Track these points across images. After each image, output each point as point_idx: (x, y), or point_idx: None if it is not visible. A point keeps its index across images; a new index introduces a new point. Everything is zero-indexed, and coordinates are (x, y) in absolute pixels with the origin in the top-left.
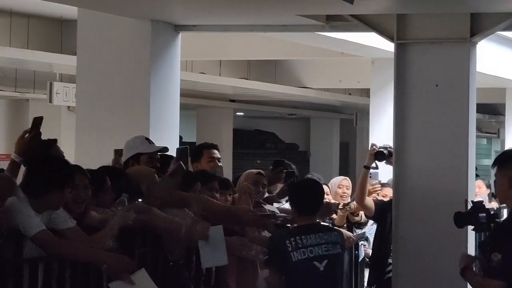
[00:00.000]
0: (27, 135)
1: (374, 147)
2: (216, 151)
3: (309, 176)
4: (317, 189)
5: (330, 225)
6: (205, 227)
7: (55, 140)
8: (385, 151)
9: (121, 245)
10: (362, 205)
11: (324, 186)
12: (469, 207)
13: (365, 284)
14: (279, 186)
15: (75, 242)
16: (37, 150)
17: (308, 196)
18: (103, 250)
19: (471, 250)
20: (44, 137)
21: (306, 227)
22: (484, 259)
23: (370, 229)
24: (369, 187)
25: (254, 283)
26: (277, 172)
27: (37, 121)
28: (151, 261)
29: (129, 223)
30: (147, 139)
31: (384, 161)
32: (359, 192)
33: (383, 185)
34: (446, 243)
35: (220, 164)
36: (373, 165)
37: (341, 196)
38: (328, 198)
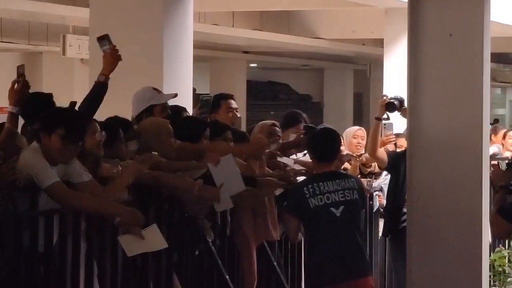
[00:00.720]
0: (16, 85)
1: (384, 98)
2: (233, 102)
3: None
4: (334, 137)
5: None
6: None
7: (74, 102)
8: (396, 102)
9: (136, 198)
10: (374, 156)
11: (361, 131)
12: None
13: (380, 234)
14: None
15: (88, 195)
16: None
17: (325, 143)
18: (116, 203)
19: (486, 200)
20: (58, 90)
21: (324, 175)
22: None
23: (385, 179)
24: (384, 138)
25: (269, 232)
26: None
27: (21, 70)
28: (166, 214)
29: (141, 176)
30: (155, 89)
31: (396, 111)
32: (371, 144)
33: (397, 135)
34: (460, 193)
35: (238, 115)
36: (385, 116)
37: (355, 146)
38: (342, 148)
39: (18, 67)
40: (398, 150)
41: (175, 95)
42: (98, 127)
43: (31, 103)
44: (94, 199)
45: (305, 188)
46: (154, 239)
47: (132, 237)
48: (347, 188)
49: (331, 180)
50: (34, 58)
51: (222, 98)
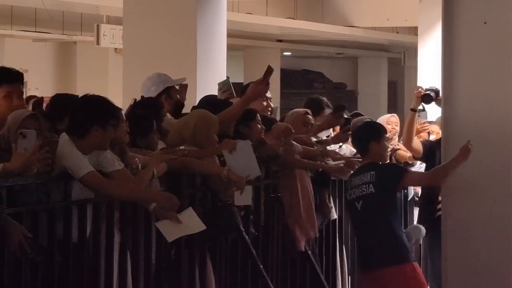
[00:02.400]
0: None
1: (420, 89)
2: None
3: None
4: (361, 131)
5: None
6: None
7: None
8: (432, 93)
9: (169, 186)
10: (409, 147)
11: (394, 118)
12: None
13: (415, 223)
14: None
15: (122, 182)
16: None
17: (354, 139)
18: (151, 188)
19: None
20: (92, 79)
21: (358, 169)
22: None
23: (420, 168)
24: (418, 126)
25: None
26: (338, 117)
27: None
28: (199, 202)
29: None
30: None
31: (432, 103)
32: (406, 135)
33: (430, 123)
34: (494, 181)
35: (271, 103)
36: (420, 107)
37: (390, 132)
38: (397, 129)
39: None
40: (431, 137)
41: (183, 80)
42: (124, 116)
43: (57, 104)
44: (129, 185)
45: (347, 181)
46: (191, 222)
47: (169, 222)
48: (364, 183)
49: (358, 174)
50: (68, 48)
51: None
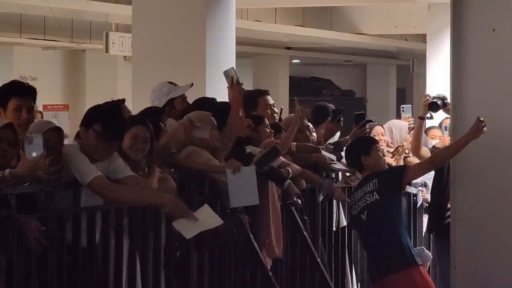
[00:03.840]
0: None
1: (427, 97)
2: (269, 97)
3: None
4: (349, 151)
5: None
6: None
7: (123, 100)
8: (439, 102)
9: (179, 193)
10: (418, 155)
11: (379, 127)
12: None
13: (424, 230)
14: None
15: (130, 186)
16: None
17: (347, 155)
18: (159, 192)
19: None
20: (101, 87)
21: (359, 183)
22: None
23: (428, 174)
24: (402, 120)
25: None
26: (337, 122)
27: None
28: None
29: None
30: (171, 82)
31: (439, 111)
32: (415, 143)
33: (429, 128)
34: (504, 189)
35: (276, 110)
36: (428, 115)
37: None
38: (384, 138)
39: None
40: (433, 142)
41: (191, 85)
42: (146, 135)
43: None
44: (137, 189)
45: (351, 197)
46: (208, 218)
47: (186, 220)
48: (367, 193)
49: (360, 187)
50: (77, 56)
51: (258, 95)
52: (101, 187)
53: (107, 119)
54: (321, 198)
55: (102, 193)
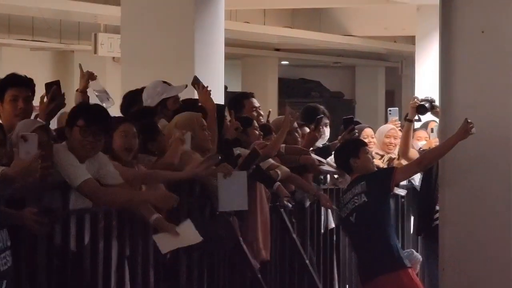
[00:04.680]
0: (45, 99)
1: (415, 100)
2: (255, 100)
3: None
4: (338, 154)
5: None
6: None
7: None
8: (427, 104)
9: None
10: (406, 158)
11: (369, 130)
12: None
13: (411, 231)
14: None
15: (119, 189)
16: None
17: (336, 157)
18: (146, 191)
19: None
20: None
21: (348, 185)
22: None
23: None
24: (389, 123)
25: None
26: (350, 131)
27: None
28: (197, 211)
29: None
30: (165, 82)
31: (427, 113)
32: (403, 145)
33: (415, 129)
34: (492, 192)
35: (261, 112)
36: (416, 117)
37: (387, 146)
38: (373, 140)
39: (46, 84)
40: (419, 143)
41: (185, 87)
42: (134, 131)
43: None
44: (125, 192)
45: (339, 201)
46: (188, 234)
47: (166, 234)
48: (356, 195)
49: (349, 190)
50: (66, 57)
51: (244, 98)
52: (90, 191)
53: (88, 113)
54: (308, 203)
55: (91, 197)
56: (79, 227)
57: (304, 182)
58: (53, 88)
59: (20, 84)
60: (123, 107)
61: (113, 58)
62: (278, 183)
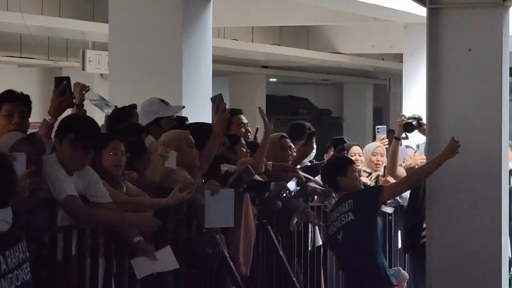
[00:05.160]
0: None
1: (403, 118)
2: (243, 117)
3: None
4: (325, 171)
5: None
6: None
7: (134, 105)
8: (414, 122)
9: (154, 212)
10: (394, 175)
11: (357, 147)
12: None
13: (399, 246)
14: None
15: (101, 209)
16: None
17: (323, 175)
18: (127, 213)
19: (505, 214)
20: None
21: (335, 204)
22: None
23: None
24: (377, 141)
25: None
26: (339, 151)
27: (60, 82)
28: (184, 228)
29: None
30: (162, 100)
31: (414, 131)
32: (391, 163)
33: (406, 146)
34: (479, 209)
35: (249, 129)
36: (403, 135)
37: (375, 164)
38: (361, 159)
39: (56, 78)
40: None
41: (183, 107)
42: (123, 148)
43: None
44: (106, 212)
45: (327, 217)
46: (166, 260)
47: (144, 258)
48: (343, 213)
49: (336, 208)
50: (54, 74)
51: (232, 114)
52: (73, 207)
53: (79, 127)
54: (295, 220)
55: (73, 213)
56: (66, 244)
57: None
58: (64, 83)
59: (16, 99)
60: (109, 124)
61: (101, 74)
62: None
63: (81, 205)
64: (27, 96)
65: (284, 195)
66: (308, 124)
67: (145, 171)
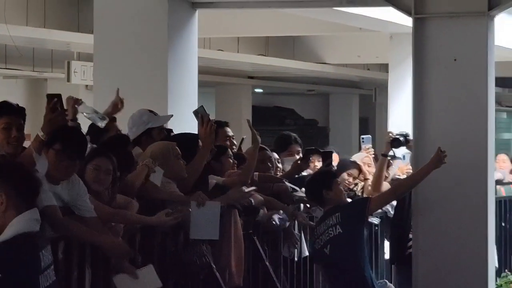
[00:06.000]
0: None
1: (390, 134)
2: (229, 129)
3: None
4: (310, 186)
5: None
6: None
7: (114, 118)
8: (401, 138)
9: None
10: (379, 192)
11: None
12: None
13: (386, 256)
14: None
15: (78, 224)
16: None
17: (308, 189)
18: (105, 234)
19: (491, 224)
20: None
21: (321, 217)
22: None
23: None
24: (362, 151)
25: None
26: (327, 165)
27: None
28: (170, 241)
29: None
30: (151, 111)
31: (401, 147)
32: (376, 180)
33: (392, 157)
34: (466, 219)
35: (234, 141)
36: (390, 152)
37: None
38: (353, 183)
39: (48, 95)
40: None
41: (171, 116)
42: (108, 168)
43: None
44: (83, 230)
45: (314, 231)
46: (148, 279)
47: (127, 276)
48: (330, 226)
49: (323, 221)
50: (39, 85)
51: (218, 126)
52: (51, 217)
53: (66, 138)
54: (287, 252)
55: (51, 223)
56: (53, 255)
57: (281, 204)
58: (55, 100)
59: (13, 113)
60: (90, 136)
61: (86, 86)
62: (261, 210)
63: (58, 216)
64: (23, 109)
65: (274, 222)
66: (294, 135)
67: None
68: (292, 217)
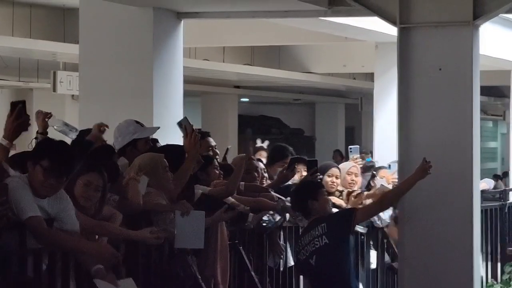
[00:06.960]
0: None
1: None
2: (211, 139)
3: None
4: (295, 196)
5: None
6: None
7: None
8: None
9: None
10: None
11: (335, 169)
12: None
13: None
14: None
15: (62, 233)
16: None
17: (293, 199)
18: (89, 241)
19: (477, 233)
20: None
21: (306, 228)
22: None
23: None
24: (350, 160)
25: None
26: (312, 174)
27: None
28: (155, 252)
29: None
30: (137, 122)
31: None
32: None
33: (379, 167)
34: (451, 229)
35: (217, 151)
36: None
37: (349, 183)
38: (337, 181)
39: (12, 103)
40: (380, 181)
41: (157, 128)
42: (99, 184)
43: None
44: (68, 238)
45: (298, 242)
46: None
47: (108, 284)
48: (316, 237)
49: (308, 232)
50: (25, 95)
51: (200, 137)
52: (35, 228)
53: (54, 156)
54: (273, 262)
55: (36, 234)
56: (37, 266)
57: (271, 203)
58: (19, 107)
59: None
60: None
61: (72, 96)
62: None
63: (44, 227)
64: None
65: (264, 224)
66: (290, 148)
67: (119, 194)
68: (284, 210)
